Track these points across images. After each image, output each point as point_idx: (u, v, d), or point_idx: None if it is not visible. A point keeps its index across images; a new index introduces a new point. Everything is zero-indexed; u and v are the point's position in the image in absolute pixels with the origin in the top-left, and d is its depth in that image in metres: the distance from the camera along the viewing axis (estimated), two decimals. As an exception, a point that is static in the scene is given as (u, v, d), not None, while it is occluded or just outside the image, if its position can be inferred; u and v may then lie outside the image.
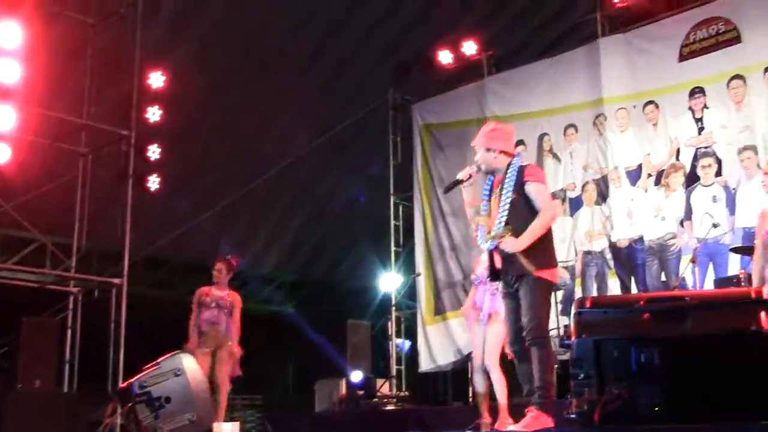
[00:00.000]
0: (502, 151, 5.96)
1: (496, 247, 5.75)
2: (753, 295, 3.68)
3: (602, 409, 3.55)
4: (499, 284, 7.76)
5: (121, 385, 8.12)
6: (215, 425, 7.50)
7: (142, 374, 7.45)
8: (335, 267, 16.87)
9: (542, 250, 5.71)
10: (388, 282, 14.60)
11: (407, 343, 14.12)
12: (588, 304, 3.91)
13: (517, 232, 5.67)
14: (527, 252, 5.63)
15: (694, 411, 3.58)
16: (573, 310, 3.96)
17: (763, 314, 3.62)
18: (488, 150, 5.96)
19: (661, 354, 3.64)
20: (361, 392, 12.33)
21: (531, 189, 5.80)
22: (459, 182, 6.00)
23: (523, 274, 5.62)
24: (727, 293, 4.38)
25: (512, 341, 5.75)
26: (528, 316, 5.39)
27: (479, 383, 8.18)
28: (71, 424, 8.93)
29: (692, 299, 3.74)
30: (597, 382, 3.66)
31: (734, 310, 3.66)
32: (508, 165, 5.92)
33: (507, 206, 5.76)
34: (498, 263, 5.79)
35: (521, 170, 5.87)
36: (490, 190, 5.98)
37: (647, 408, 3.59)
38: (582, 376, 3.72)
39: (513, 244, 5.62)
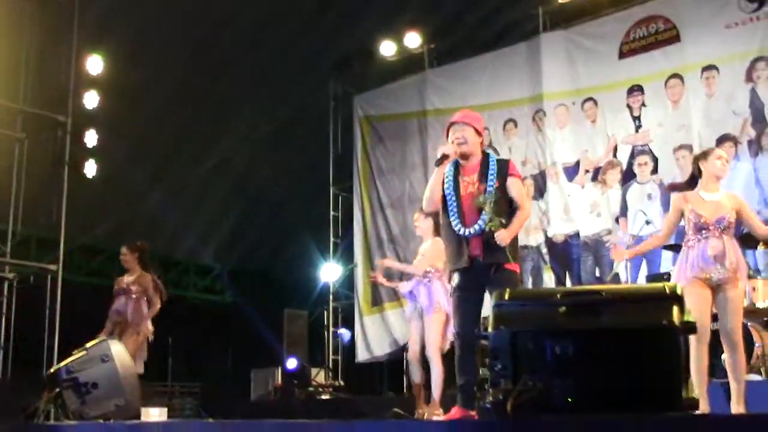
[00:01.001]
0: (480, 136, 5.98)
1: (480, 234, 5.70)
2: (667, 290, 3.75)
3: (516, 399, 3.61)
4: (437, 274, 7.91)
5: (49, 371, 8.00)
6: (143, 410, 7.44)
7: (69, 360, 7.38)
8: (275, 257, 16.81)
9: (514, 245, 5.77)
10: (328, 272, 14.61)
11: (347, 333, 14.14)
12: (506, 297, 3.96)
13: (498, 224, 5.65)
14: (511, 246, 5.69)
15: (607, 402, 3.64)
16: (492, 303, 4.02)
17: (675, 309, 3.69)
18: (477, 132, 5.94)
19: (575, 347, 3.70)
20: (295, 381, 12.34)
21: (512, 183, 5.82)
22: (446, 157, 5.83)
23: (500, 264, 5.66)
24: (642, 288, 4.46)
25: (469, 328, 5.73)
26: None
27: (416, 374, 8.22)
28: (4, 411, 8.76)
29: (607, 294, 3.79)
30: (512, 373, 3.71)
31: (648, 305, 3.74)
32: (485, 155, 5.92)
33: (492, 197, 5.70)
34: (477, 250, 5.74)
35: (505, 164, 5.89)
36: (455, 177, 5.90)
37: (561, 399, 3.65)
38: (499, 367, 3.77)
39: (504, 238, 5.62)
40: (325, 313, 14.13)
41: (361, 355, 13.67)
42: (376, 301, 13.72)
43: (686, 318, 3.71)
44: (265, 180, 15.73)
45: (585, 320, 3.73)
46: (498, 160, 5.91)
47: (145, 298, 8.93)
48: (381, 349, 13.35)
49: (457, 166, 5.94)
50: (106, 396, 7.16)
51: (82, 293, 13.44)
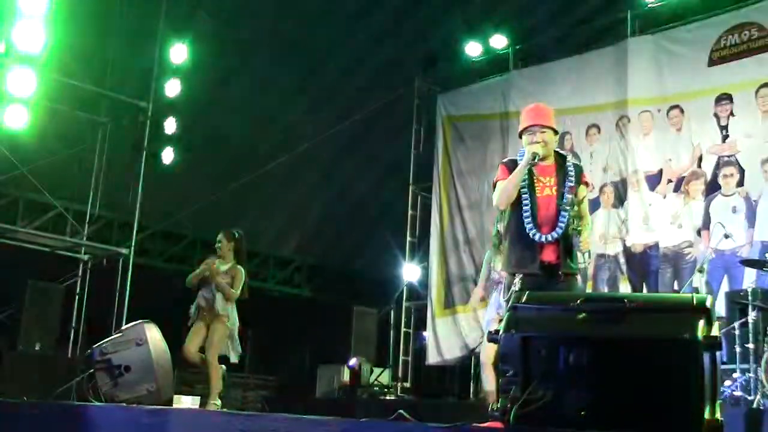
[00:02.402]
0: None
1: (557, 241, 5.50)
2: (694, 302, 3.52)
3: (521, 408, 3.42)
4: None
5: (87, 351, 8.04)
6: (175, 398, 7.42)
7: (105, 341, 7.39)
8: (353, 253, 16.79)
9: (575, 253, 5.65)
10: (409, 272, 14.54)
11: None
12: (524, 299, 3.78)
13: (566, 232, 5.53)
14: (571, 252, 5.56)
15: (621, 419, 3.43)
16: (509, 305, 3.84)
17: (700, 323, 3.46)
18: (555, 132, 5.75)
19: (590, 355, 3.49)
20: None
21: (584, 193, 5.66)
22: (537, 156, 5.58)
23: (571, 274, 5.56)
24: (669, 298, 4.22)
25: None
26: None
27: (488, 380, 8.02)
28: (63, 385, 8.91)
29: (630, 302, 3.58)
30: (523, 380, 3.53)
31: (672, 317, 3.51)
32: (563, 158, 5.73)
33: (568, 202, 5.53)
34: (551, 256, 5.52)
35: (581, 169, 5.70)
36: (530, 177, 5.65)
37: (572, 411, 3.45)
38: (510, 372, 3.60)
39: (588, 243, 5.61)
40: (392, 312, 14.02)
41: (432, 358, 13.53)
42: (449, 303, 13.57)
43: (713, 332, 3.48)
44: (348, 175, 15.73)
45: (603, 328, 3.53)
46: (575, 165, 5.70)
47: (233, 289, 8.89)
48: (451, 353, 13.20)
49: (532, 168, 5.70)
50: (138, 380, 7.16)
51: (159, 279, 13.63)
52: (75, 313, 11.90)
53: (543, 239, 5.50)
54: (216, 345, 8.57)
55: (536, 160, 5.58)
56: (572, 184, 5.56)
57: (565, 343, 3.52)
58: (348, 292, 15.80)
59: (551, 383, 3.49)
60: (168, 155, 12.01)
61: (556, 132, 5.74)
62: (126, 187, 12.34)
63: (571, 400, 3.48)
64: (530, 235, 5.53)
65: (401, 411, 3.56)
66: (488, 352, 7.96)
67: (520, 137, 5.80)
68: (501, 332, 3.67)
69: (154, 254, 15.44)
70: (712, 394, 3.55)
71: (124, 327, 7.52)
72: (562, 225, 5.45)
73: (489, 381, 7.95)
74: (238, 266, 8.91)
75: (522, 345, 3.57)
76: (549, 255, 5.52)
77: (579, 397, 3.48)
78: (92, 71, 11.89)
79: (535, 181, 5.66)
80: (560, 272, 5.48)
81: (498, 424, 5.23)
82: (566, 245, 5.49)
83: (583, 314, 3.58)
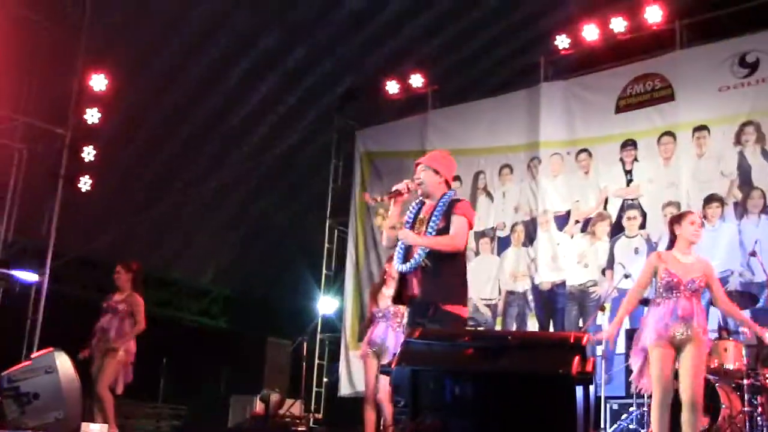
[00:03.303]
0: (445, 179, 5.95)
1: (415, 270, 5.66)
2: (572, 339, 3.79)
3: (411, 436, 3.64)
4: (403, 318, 7.93)
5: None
6: (83, 425, 7.47)
7: (13, 368, 7.42)
8: (270, 286, 16.87)
9: (456, 286, 5.71)
10: (324, 304, 14.66)
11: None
12: (416, 335, 4.01)
13: (435, 260, 5.62)
14: (439, 283, 5.60)
15: (501, 446, 3.67)
16: (402, 339, 4.06)
17: (575, 358, 3.72)
18: (437, 172, 5.91)
19: (474, 388, 3.73)
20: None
21: (454, 220, 5.75)
22: (397, 193, 5.84)
23: (435, 303, 5.54)
24: (549, 336, 4.50)
25: None
26: None
27: (369, 417, 8.23)
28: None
29: (514, 339, 3.83)
30: (412, 410, 3.75)
31: (550, 353, 3.77)
32: (442, 195, 5.88)
33: (434, 232, 5.70)
34: (414, 289, 5.69)
35: (453, 203, 5.82)
36: (415, 215, 5.90)
37: (457, 439, 3.68)
38: (401, 403, 3.81)
39: (411, 237, 5.65)
40: (305, 344, 14.12)
41: (344, 389, 13.65)
42: (363, 336, 13.68)
43: (587, 369, 3.74)
44: (267, 208, 15.85)
45: (487, 363, 3.77)
46: (451, 200, 5.84)
47: (131, 320, 8.91)
48: (363, 383, 13.30)
49: (421, 205, 5.96)
50: (46, 408, 7.18)
51: (74, 306, 13.51)
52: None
53: (401, 269, 5.71)
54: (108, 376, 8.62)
55: (393, 192, 5.83)
56: (438, 218, 5.73)
57: (451, 376, 3.75)
58: (264, 324, 15.84)
59: (439, 414, 3.71)
60: (85, 183, 11.99)
61: (438, 173, 5.90)
62: (40, 213, 12.30)
63: (457, 430, 3.70)
64: (396, 267, 5.79)
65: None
66: (383, 389, 8.18)
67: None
68: (393, 365, 3.88)
69: (67, 281, 15.27)
70: (585, 425, 3.81)
71: (33, 355, 7.54)
72: (418, 255, 5.63)
73: (370, 417, 8.19)
74: (136, 294, 9.03)
75: (411, 377, 3.78)
76: (412, 285, 5.71)
77: (464, 427, 3.70)
78: (8, 96, 11.81)
79: (417, 222, 5.88)
80: (429, 304, 5.55)
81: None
82: (424, 275, 5.63)
83: (470, 349, 3.81)
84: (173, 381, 15.86)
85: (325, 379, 14.40)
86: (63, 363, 7.45)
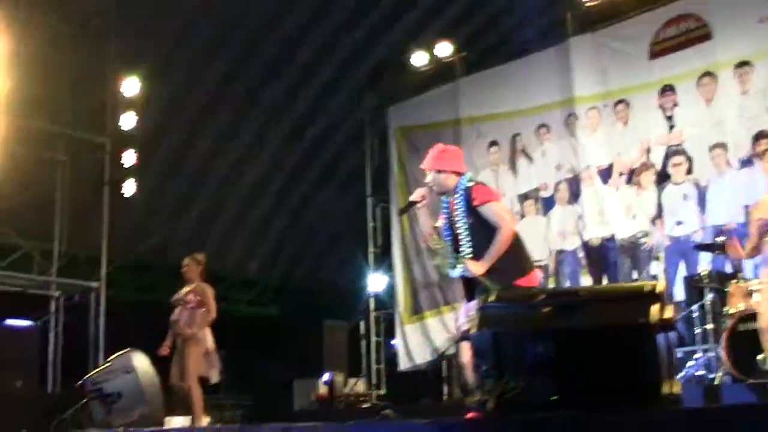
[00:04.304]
0: (453, 172, 5.99)
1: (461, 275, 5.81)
2: (645, 289, 3.81)
3: (498, 399, 3.69)
4: None
5: (77, 383, 8.20)
6: (167, 419, 7.61)
7: (95, 372, 7.60)
8: (317, 269, 16.98)
9: (509, 263, 5.74)
10: (371, 283, 14.74)
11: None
12: (492, 299, 4.06)
13: (483, 253, 5.74)
14: (496, 272, 5.65)
15: (587, 400, 3.70)
16: (478, 306, 4.11)
17: (652, 308, 3.75)
18: (439, 172, 5.98)
19: (555, 346, 3.77)
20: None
21: (483, 210, 5.81)
22: (413, 204, 6.03)
23: (509, 286, 5.58)
24: (620, 288, 4.53)
25: None
26: None
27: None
28: (50, 423, 9.01)
29: (584, 294, 3.87)
30: (496, 373, 3.80)
31: (626, 304, 3.80)
32: (456, 188, 5.95)
33: (466, 233, 5.82)
34: (470, 287, 5.84)
35: (468, 193, 5.88)
36: (448, 213, 5.99)
37: (542, 398, 3.72)
38: (484, 367, 3.87)
39: (475, 268, 5.69)
40: (362, 323, 14.24)
41: (403, 364, 13.74)
42: (416, 310, 13.80)
43: (665, 315, 3.76)
44: (305, 193, 15.92)
45: (564, 320, 3.80)
46: (465, 192, 5.92)
47: (202, 309, 8.98)
48: (422, 357, 13.42)
49: (447, 202, 6.03)
50: (129, 406, 7.37)
51: (130, 309, 13.71)
52: (52, 349, 11.98)
53: (454, 274, 5.91)
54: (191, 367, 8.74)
55: (408, 205, 6.12)
56: (463, 216, 5.84)
57: (531, 337, 3.80)
58: (314, 307, 15.95)
59: (522, 374, 3.76)
60: (129, 187, 12.14)
61: (439, 171, 5.98)
62: (87, 221, 12.47)
63: (540, 389, 3.75)
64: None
65: (385, 411, 3.81)
66: (465, 354, 8.20)
67: None
68: (472, 331, 3.93)
69: (120, 286, 15.48)
70: (669, 371, 3.85)
71: (111, 357, 7.71)
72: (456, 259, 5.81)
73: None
74: (204, 284, 9.12)
75: (493, 341, 3.83)
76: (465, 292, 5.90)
77: (547, 385, 3.74)
78: (48, 110, 11.99)
79: (451, 217, 5.96)
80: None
81: (476, 416, 5.53)
82: (466, 279, 5.80)
83: (547, 308, 3.85)
84: (233, 372, 16.05)
85: (382, 356, 14.48)
86: (140, 361, 7.64)
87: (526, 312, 3.92)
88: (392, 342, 14.40)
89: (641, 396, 3.65)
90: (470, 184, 5.95)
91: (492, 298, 4.06)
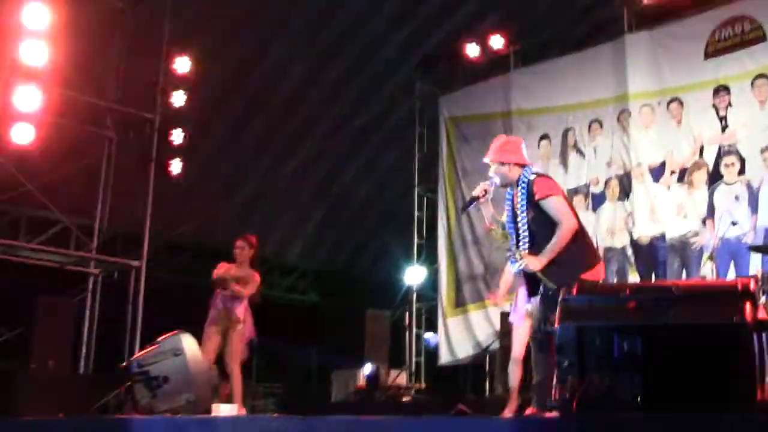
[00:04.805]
0: (516, 164, 5.96)
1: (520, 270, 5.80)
2: (739, 287, 3.65)
3: (581, 396, 3.54)
4: None
5: (122, 364, 8.11)
6: (214, 406, 7.50)
7: (141, 353, 7.46)
8: (359, 258, 16.88)
9: (574, 256, 5.71)
10: (412, 274, 14.59)
11: (435, 338, 14.06)
12: (574, 291, 3.90)
13: (543, 248, 5.71)
14: (556, 267, 5.63)
15: (675, 401, 3.55)
16: (560, 297, 3.96)
17: (747, 306, 3.59)
18: (502, 164, 5.96)
19: (643, 343, 3.62)
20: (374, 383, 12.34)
21: (545, 205, 5.78)
22: (475, 199, 6.00)
23: (558, 287, 5.60)
24: (714, 285, 4.36)
25: (537, 329, 5.80)
26: None
27: (513, 376, 8.05)
28: (84, 404, 8.89)
29: (678, 290, 3.71)
30: (578, 369, 3.65)
31: (719, 302, 3.64)
32: (518, 180, 5.91)
33: (526, 226, 5.79)
34: (527, 285, 5.91)
35: (530, 186, 5.85)
36: (512, 205, 5.97)
37: (628, 396, 3.58)
38: (565, 363, 3.72)
39: (534, 263, 5.65)
40: (407, 314, 14.08)
41: (444, 358, 13.61)
42: (459, 303, 13.67)
43: (760, 316, 3.61)
44: (350, 180, 15.82)
45: (654, 316, 3.66)
46: (526, 184, 5.88)
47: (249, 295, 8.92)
48: (464, 351, 13.29)
49: (512, 195, 6.01)
50: (176, 390, 7.22)
51: (167, 290, 13.64)
52: (87, 328, 11.90)
53: (515, 269, 5.93)
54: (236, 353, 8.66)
55: (471, 200, 6.07)
56: (525, 208, 5.82)
57: (618, 332, 3.65)
58: (354, 296, 15.85)
59: (607, 371, 3.61)
60: (176, 166, 12.04)
61: (502, 163, 5.96)
62: (131, 199, 12.39)
63: (626, 387, 3.60)
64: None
65: (462, 406, 3.67)
66: (519, 348, 8.01)
67: None
68: (556, 323, 3.78)
69: (159, 266, 15.42)
70: (762, 374, 3.68)
71: (160, 338, 7.57)
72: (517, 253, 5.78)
73: (515, 377, 7.97)
74: (255, 272, 9.04)
75: (577, 335, 3.69)
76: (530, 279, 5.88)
77: (634, 383, 3.60)
78: (96, 85, 11.94)
79: (515, 211, 5.95)
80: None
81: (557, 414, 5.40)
82: (526, 272, 5.76)
83: (633, 303, 3.70)
84: (267, 360, 15.98)
85: (422, 349, 14.35)
86: (190, 345, 7.50)
87: (613, 305, 3.77)
88: (425, 336, 14.25)
89: (733, 400, 3.49)
90: (533, 176, 5.91)
91: (575, 290, 3.90)
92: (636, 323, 3.69)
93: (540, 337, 5.65)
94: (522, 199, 5.82)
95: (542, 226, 5.74)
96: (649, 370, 3.63)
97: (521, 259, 5.72)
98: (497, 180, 5.98)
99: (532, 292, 5.92)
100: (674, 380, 3.61)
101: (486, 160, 6.10)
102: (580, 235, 5.83)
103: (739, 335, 3.53)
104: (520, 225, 5.82)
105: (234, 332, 8.66)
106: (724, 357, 3.56)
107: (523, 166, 5.96)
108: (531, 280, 5.82)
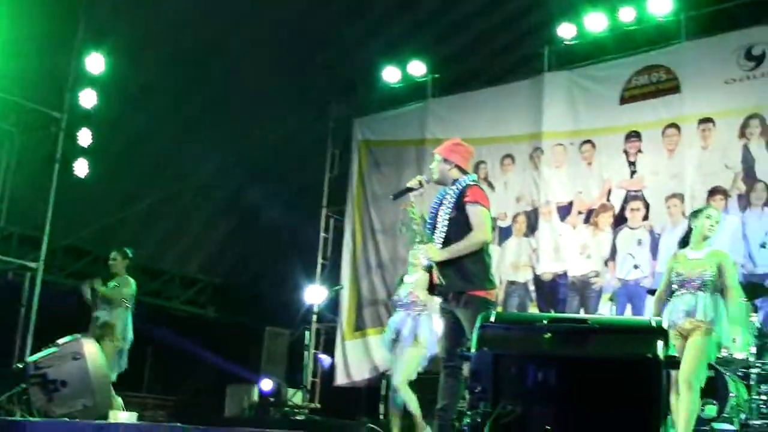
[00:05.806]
0: (457, 166, 6.00)
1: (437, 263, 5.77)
2: (653, 324, 3.70)
3: (493, 423, 3.52)
4: (427, 305, 7.92)
5: (16, 365, 7.84)
6: (111, 413, 7.29)
7: (39, 355, 7.21)
8: (261, 275, 16.68)
9: (479, 270, 5.75)
10: (312, 294, 14.46)
11: (328, 360, 13.96)
12: (493, 319, 3.89)
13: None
14: (454, 269, 5.69)
15: (585, 433, 3.56)
16: (478, 324, 3.94)
17: (660, 343, 3.63)
18: (446, 160, 6.01)
19: (558, 373, 3.63)
20: (271, 400, 12.20)
21: (470, 209, 5.80)
22: (409, 190, 6.02)
23: (461, 292, 5.67)
24: (629, 321, 4.42)
25: (448, 358, 5.73)
26: (469, 331, 5.31)
27: (412, 402, 8.05)
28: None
29: (594, 323, 3.73)
30: (492, 396, 3.63)
31: (633, 337, 3.67)
32: (454, 182, 5.95)
33: (446, 222, 5.81)
34: (436, 279, 5.81)
35: (464, 189, 5.88)
36: (440, 202, 5.98)
37: (539, 426, 3.57)
38: (479, 389, 3.69)
39: (434, 254, 5.71)
40: (307, 334, 13.95)
41: (340, 379, 13.51)
42: (359, 326, 13.61)
43: (670, 352, 3.65)
44: (258, 196, 15.63)
45: (570, 347, 3.66)
46: (462, 188, 5.91)
47: (126, 305, 8.77)
48: (360, 374, 13.23)
49: (443, 194, 6.02)
50: (74, 395, 7.01)
51: (62, 294, 13.26)
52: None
53: (425, 263, 5.98)
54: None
55: (403, 190, 6.08)
56: (451, 206, 5.85)
57: (533, 362, 3.64)
58: (255, 313, 15.66)
59: (520, 400, 3.60)
60: (82, 167, 11.72)
61: (446, 161, 6.02)
62: (32, 198, 12.03)
63: (538, 416, 3.59)
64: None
65: (372, 426, 3.61)
66: (405, 375, 8.02)
67: None
68: (472, 350, 3.76)
69: (55, 269, 14.99)
70: (666, 411, 3.72)
71: (60, 341, 7.32)
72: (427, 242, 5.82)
73: (413, 403, 7.97)
74: (130, 279, 8.89)
75: (493, 362, 3.67)
76: (435, 277, 5.84)
77: (545, 414, 3.59)
78: (2, 77, 11.52)
79: (440, 209, 5.96)
80: (459, 293, 5.69)
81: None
82: (440, 266, 5.73)
83: (549, 334, 3.70)
84: (161, 371, 15.66)
85: (319, 369, 14.23)
86: (90, 349, 7.26)
87: (530, 335, 3.76)
88: (320, 356, 14.15)
89: (644, 434, 3.51)
90: (471, 183, 5.95)
91: (493, 318, 3.89)
92: (551, 354, 3.69)
93: (453, 363, 5.62)
94: (451, 199, 5.85)
95: (459, 228, 5.76)
96: (561, 402, 3.62)
97: (424, 246, 5.83)
98: (435, 176, 6.04)
99: (431, 292, 6.01)
100: (586, 412, 3.61)
101: (435, 151, 6.15)
102: (485, 255, 5.85)
103: (651, 371, 3.56)
104: (439, 221, 5.85)
105: (105, 343, 8.45)
106: (635, 391, 3.58)
107: (465, 172, 6.01)
108: (431, 284, 5.91)
